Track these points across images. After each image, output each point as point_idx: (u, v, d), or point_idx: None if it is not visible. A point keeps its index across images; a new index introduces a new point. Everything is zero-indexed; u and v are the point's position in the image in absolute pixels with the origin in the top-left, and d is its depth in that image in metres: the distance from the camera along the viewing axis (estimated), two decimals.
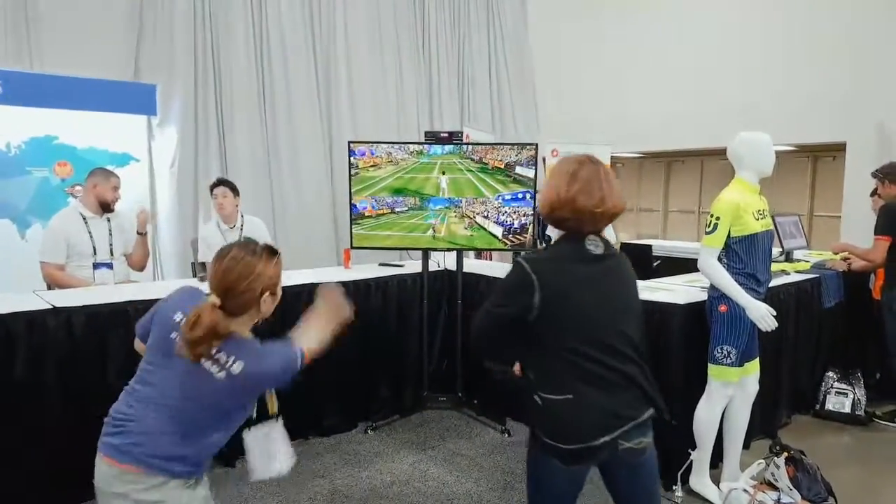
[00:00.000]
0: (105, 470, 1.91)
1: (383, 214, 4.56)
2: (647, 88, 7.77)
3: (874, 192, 4.82)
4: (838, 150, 6.80)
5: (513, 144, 4.51)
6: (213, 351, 1.88)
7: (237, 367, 1.88)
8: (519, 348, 2.13)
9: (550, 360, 2.04)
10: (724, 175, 8.63)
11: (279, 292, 2.04)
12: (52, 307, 3.34)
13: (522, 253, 2.07)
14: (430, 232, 4.56)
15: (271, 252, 1.99)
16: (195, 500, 1.99)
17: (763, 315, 3.23)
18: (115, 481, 1.89)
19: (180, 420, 1.91)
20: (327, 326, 2.10)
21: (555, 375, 2.03)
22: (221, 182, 4.83)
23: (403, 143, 4.67)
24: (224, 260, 1.93)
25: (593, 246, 2.08)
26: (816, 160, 7.82)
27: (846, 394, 4.64)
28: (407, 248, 4.84)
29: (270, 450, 2.15)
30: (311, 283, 4.27)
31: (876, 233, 4.56)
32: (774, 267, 3.80)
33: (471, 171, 4.48)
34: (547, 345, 2.05)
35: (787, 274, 4.58)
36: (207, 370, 1.89)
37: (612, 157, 7.31)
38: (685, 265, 5.08)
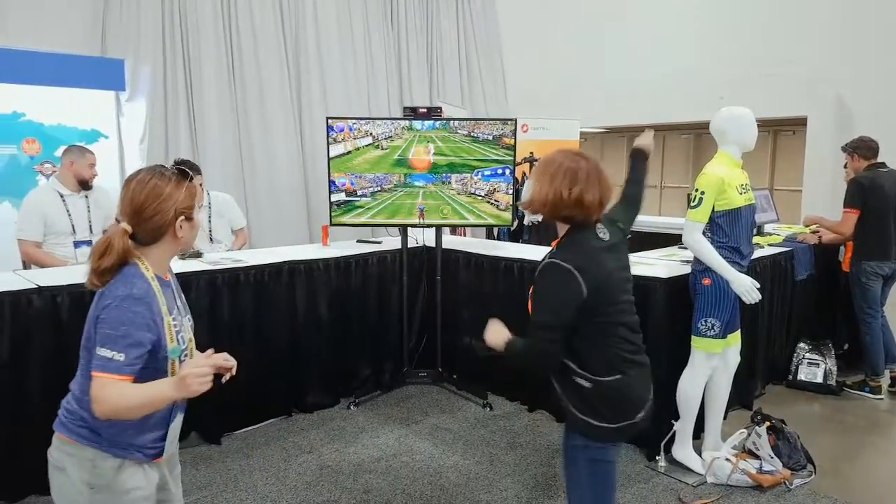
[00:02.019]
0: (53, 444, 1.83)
1: (368, 190, 4.54)
2: (613, 65, 7.74)
3: (847, 166, 4.93)
4: (799, 124, 6.93)
5: (495, 120, 4.52)
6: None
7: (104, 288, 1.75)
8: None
9: (599, 343, 2.13)
10: (686, 150, 8.83)
11: (196, 219, 1.90)
12: (36, 287, 3.25)
13: (545, 255, 2.14)
14: (416, 211, 4.54)
15: (182, 175, 1.86)
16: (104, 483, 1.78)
17: (748, 288, 3.31)
18: (57, 454, 1.80)
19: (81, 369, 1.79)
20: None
21: (604, 357, 2.12)
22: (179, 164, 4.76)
23: (382, 118, 4.62)
24: (131, 183, 1.81)
25: (603, 233, 2.21)
26: (777, 134, 7.97)
27: (818, 364, 4.77)
28: (412, 226, 4.67)
29: None
30: (290, 261, 4.25)
31: (845, 206, 4.69)
32: None
33: (464, 140, 4.50)
34: (597, 329, 2.11)
35: (761, 247, 4.68)
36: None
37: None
38: (654, 239, 5.14)
